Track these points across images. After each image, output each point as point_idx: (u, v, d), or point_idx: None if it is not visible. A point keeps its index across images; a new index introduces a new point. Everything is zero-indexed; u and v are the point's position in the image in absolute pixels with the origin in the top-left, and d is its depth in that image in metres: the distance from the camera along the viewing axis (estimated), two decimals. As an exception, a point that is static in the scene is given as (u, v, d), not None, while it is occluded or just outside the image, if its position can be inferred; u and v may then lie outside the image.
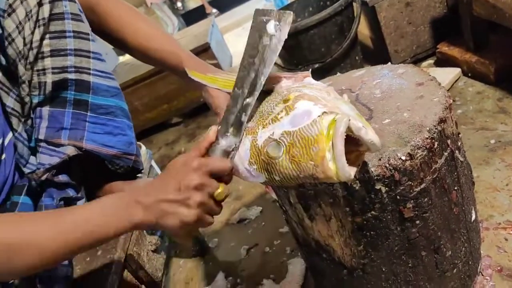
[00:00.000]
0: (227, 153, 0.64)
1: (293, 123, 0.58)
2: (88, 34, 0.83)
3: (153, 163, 1.37)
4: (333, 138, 0.52)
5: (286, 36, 0.68)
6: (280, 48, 0.68)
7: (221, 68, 2.45)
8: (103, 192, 0.93)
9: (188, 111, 2.64)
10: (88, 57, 0.83)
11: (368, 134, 0.53)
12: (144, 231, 0.95)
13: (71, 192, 0.84)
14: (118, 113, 0.89)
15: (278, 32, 0.67)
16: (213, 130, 0.65)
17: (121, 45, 0.87)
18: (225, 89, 0.76)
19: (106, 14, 0.86)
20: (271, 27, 0.67)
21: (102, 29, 0.88)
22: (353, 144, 0.54)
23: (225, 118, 0.66)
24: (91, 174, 0.90)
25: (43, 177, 0.78)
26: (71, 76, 0.80)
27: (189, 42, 2.59)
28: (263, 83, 0.66)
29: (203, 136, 0.65)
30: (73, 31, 0.80)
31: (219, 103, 0.78)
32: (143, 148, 1.43)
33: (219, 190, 0.61)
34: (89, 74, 0.83)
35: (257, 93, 0.66)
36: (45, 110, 0.82)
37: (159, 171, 1.45)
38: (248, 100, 0.66)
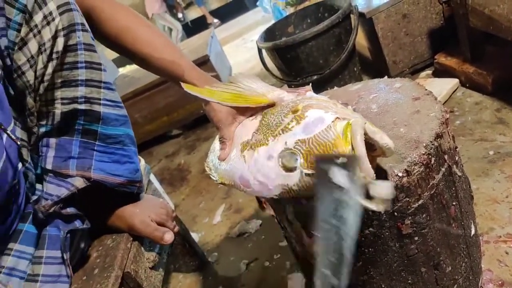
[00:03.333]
0: None
1: (306, 131, 0.58)
2: (100, 64, 0.81)
3: (152, 178, 1.37)
4: (353, 140, 0.53)
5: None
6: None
7: (221, 80, 2.46)
8: (111, 217, 0.92)
9: (188, 123, 2.65)
10: (99, 87, 0.81)
11: (384, 138, 0.53)
12: (142, 247, 0.94)
13: (77, 224, 0.82)
14: (127, 142, 0.87)
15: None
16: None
17: (120, 51, 0.87)
18: (224, 103, 0.75)
19: (103, 19, 0.84)
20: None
21: (100, 35, 0.86)
22: (366, 149, 0.54)
23: None
24: (92, 200, 0.89)
25: (51, 210, 0.76)
26: (81, 106, 0.79)
27: (188, 55, 2.60)
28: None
29: None
30: (85, 62, 0.79)
31: (221, 117, 0.77)
32: (142, 162, 1.42)
33: None
34: (100, 104, 0.81)
35: None
36: (53, 139, 0.80)
37: (158, 185, 1.44)
38: None
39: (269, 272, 1.22)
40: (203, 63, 2.38)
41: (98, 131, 0.82)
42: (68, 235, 0.80)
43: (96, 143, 0.82)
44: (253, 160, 0.62)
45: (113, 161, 0.85)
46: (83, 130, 0.81)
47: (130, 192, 0.90)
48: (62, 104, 0.78)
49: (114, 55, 5.73)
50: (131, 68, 3.40)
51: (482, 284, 0.87)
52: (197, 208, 1.76)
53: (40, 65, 0.75)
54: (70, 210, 0.81)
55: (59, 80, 0.77)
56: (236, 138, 0.75)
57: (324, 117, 0.58)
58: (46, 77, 0.76)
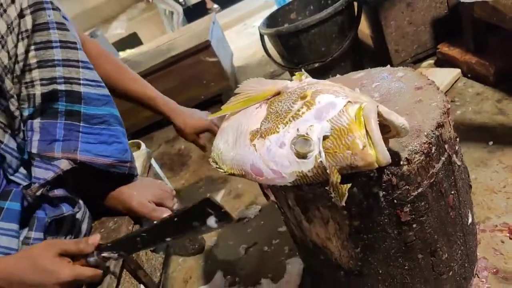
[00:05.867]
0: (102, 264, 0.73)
1: (318, 116, 0.58)
2: (75, 43, 0.81)
3: (153, 162, 1.38)
4: (367, 124, 0.53)
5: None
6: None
7: (222, 65, 2.45)
8: (109, 200, 0.93)
9: (188, 108, 2.65)
10: (78, 66, 0.81)
11: (399, 118, 0.54)
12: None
13: (65, 208, 0.83)
14: (112, 121, 0.87)
15: (215, 227, 0.67)
16: (97, 240, 0.73)
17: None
18: (238, 109, 0.75)
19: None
20: (212, 221, 0.66)
21: None
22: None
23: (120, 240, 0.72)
24: (87, 182, 0.90)
25: (38, 193, 0.77)
26: (61, 87, 0.79)
27: (189, 40, 2.59)
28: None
29: (89, 239, 0.73)
30: (60, 41, 0.78)
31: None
32: (143, 146, 1.43)
33: None
34: (80, 84, 0.81)
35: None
36: (36, 122, 0.80)
37: (158, 170, 1.45)
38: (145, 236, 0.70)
39: (268, 256, 1.24)
40: (205, 48, 2.37)
41: (81, 111, 0.82)
42: (53, 221, 0.81)
43: (81, 124, 0.82)
44: (265, 149, 0.62)
45: (100, 142, 0.85)
46: (66, 112, 0.81)
47: (122, 172, 0.90)
48: (42, 85, 0.78)
49: (115, 39, 5.70)
50: (131, 52, 3.38)
51: (477, 272, 0.89)
52: (197, 193, 1.77)
53: (11, 45, 0.75)
54: (58, 192, 0.81)
55: (35, 60, 0.77)
56: (236, 124, 0.74)
57: (336, 102, 0.58)
58: (20, 57, 0.76)
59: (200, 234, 0.67)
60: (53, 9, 0.78)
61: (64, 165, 0.80)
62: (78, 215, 0.87)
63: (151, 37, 5.29)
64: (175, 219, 0.67)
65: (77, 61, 0.81)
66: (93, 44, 0.99)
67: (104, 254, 0.71)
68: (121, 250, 0.71)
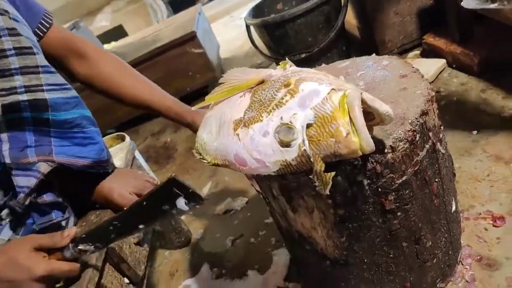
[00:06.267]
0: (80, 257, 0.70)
1: (302, 104, 0.57)
2: (31, 47, 0.76)
3: (137, 154, 1.36)
4: (351, 111, 0.52)
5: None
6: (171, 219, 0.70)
7: (208, 57, 2.42)
8: (91, 195, 0.91)
9: (175, 101, 2.62)
10: (37, 72, 0.76)
11: (383, 105, 0.53)
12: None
13: (54, 215, 0.80)
14: (85, 123, 0.84)
15: (186, 209, 0.65)
16: (72, 232, 0.70)
17: (106, 95, 0.96)
18: (221, 99, 0.73)
19: (88, 64, 0.92)
20: (181, 203, 0.64)
21: (82, 78, 0.94)
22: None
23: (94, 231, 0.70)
24: (68, 181, 0.87)
25: (26, 202, 0.75)
26: (23, 97, 0.74)
27: (175, 31, 2.55)
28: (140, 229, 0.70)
29: (63, 233, 0.70)
30: (14, 48, 0.73)
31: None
32: (127, 139, 1.41)
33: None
34: (43, 90, 0.76)
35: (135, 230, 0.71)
36: (3, 134, 0.75)
37: (143, 163, 1.43)
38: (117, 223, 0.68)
39: (255, 248, 1.24)
40: (190, 39, 2.34)
41: (49, 118, 0.78)
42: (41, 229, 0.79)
43: (51, 129, 0.79)
44: (248, 138, 0.61)
45: (75, 144, 0.82)
46: (33, 120, 0.77)
47: (98, 172, 0.88)
48: (1, 96, 0.73)
49: (100, 31, 5.60)
50: (116, 44, 3.32)
51: (461, 259, 0.90)
52: (183, 186, 1.75)
53: None
54: (47, 197, 0.79)
55: None
56: (219, 114, 0.72)
57: (320, 89, 0.57)
58: None
59: (172, 217, 0.66)
60: (1, 14, 0.72)
61: (44, 167, 0.77)
62: (64, 221, 0.84)
63: (137, 30, 5.19)
64: (144, 203, 0.65)
65: (36, 66, 0.76)
66: (110, 60, 0.97)
67: (80, 247, 0.69)
68: (96, 242, 0.69)
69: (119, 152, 1.23)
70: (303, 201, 0.70)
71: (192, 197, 0.63)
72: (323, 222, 0.72)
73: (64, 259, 0.69)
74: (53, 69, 0.80)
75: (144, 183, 0.94)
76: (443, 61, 1.59)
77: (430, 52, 1.69)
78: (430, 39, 1.68)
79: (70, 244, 0.69)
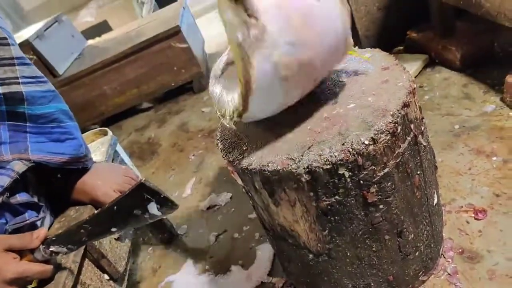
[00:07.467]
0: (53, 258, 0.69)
1: None
2: (6, 38, 0.73)
3: (119, 149, 1.33)
4: None
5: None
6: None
7: (193, 52, 2.39)
8: (72, 193, 0.89)
9: (159, 96, 2.59)
10: (13, 64, 0.73)
11: None
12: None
13: (28, 215, 0.77)
14: (62, 118, 0.81)
15: (158, 214, 0.63)
16: (42, 234, 0.68)
17: None
18: None
19: None
20: (153, 208, 0.62)
21: None
22: None
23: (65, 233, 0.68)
24: (47, 179, 0.85)
25: None
26: None
27: (158, 25, 2.51)
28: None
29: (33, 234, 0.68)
30: None
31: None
32: (110, 133, 1.38)
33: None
34: (19, 83, 0.73)
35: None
36: None
37: (126, 158, 1.40)
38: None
39: (238, 243, 1.23)
40: (174, 34, 2.30)
41: (25, 112, 0.75)
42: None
43: (27, 124, 0.76)
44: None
45: (52, 140, 0.80)
46: (8, 114, 0.74)
47: (76, 168, 0.86)
48: None
49: (84, 26, 5.49)
50: (99, 39, 3.26)
51: (443, 252, 0.90)
52: (167, 181, 1.74)
53: None
54: (21, 198, 0.76)
55: None
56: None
57: None
58: None
59: (145, 222, 0.64)
60: None
61: (19, 166, 0.75)
62: (39, 221, 0.82)
63: (122, 26, 5.13)
64: (115, 207, 0.63)
65: (11, 58, 0.73)
66: None
67: (52, 249, 0.67)
68: (68, 244, 0.67)
69: (100, 146, 1.21)
70: (285, 194, 0.69)
71: (165, 202, 0.62)
72: (305, 215, 0.71)
73: (35, 260, 0.67)
74: (28, 61, 0.77)
75: (128, 180, 0.92)
76: (426, 56, 1.60)
77: (413, 48, 1.70)
78: (413, 34, 1.69)
79: (41, 246, 0.67)
